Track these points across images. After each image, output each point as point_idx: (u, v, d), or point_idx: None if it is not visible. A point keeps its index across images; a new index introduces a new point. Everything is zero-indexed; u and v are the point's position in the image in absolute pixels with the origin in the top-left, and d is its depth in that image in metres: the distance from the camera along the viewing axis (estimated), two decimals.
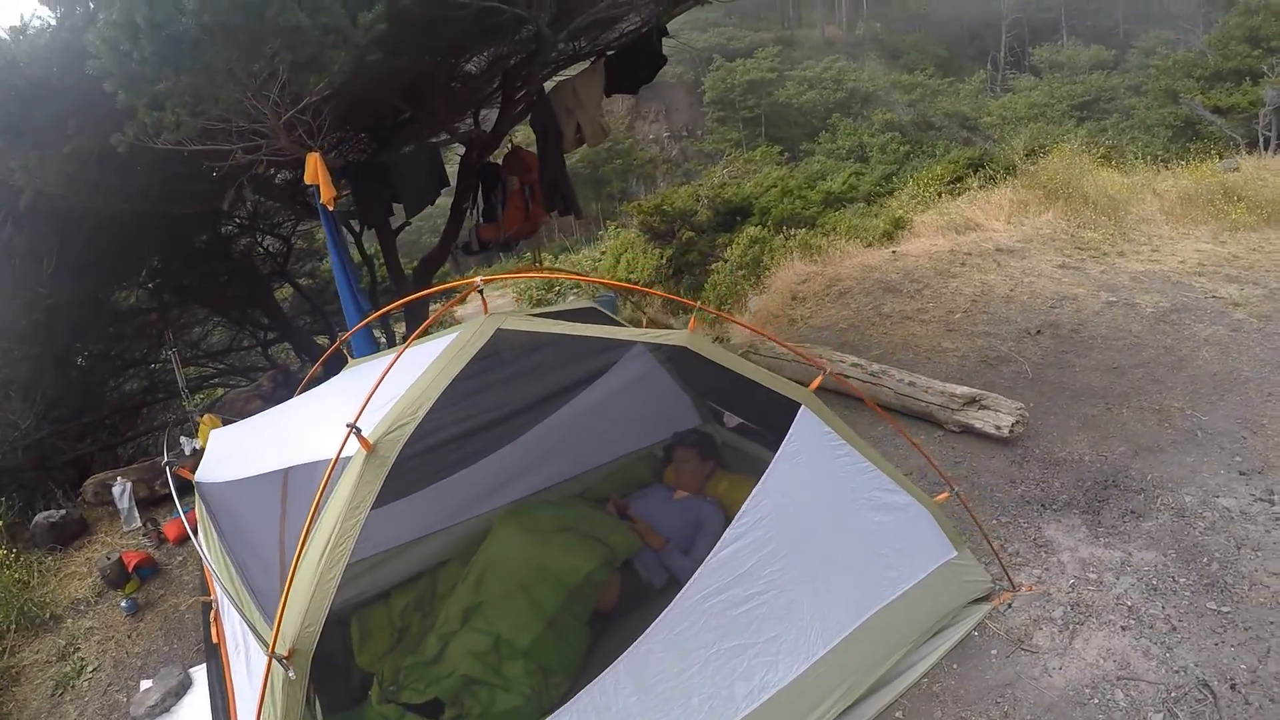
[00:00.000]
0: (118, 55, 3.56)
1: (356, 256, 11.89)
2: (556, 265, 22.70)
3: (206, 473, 3.52)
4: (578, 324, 2.98)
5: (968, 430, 4.87)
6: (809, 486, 3.00)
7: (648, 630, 2.62)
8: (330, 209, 4.96)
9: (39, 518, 5.50)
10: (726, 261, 13.21)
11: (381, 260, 9.49)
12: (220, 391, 10.55)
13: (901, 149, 29.51)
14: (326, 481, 2.45)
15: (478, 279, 2.89)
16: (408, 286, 9.22)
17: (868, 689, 2.98)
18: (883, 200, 15.00)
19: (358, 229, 9.35)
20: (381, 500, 3.48)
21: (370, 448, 2.42)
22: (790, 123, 43.82)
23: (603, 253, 20.77)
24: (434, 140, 7.55)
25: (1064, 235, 8.61)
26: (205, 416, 6.40)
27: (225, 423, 5.89)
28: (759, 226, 13.94)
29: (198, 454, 5.53)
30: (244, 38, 3.58)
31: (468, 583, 3.37)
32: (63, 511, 5.56)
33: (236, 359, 11.56)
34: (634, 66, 6.68)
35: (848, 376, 5.75)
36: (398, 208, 6.86)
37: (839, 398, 5.87)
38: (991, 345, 6.23)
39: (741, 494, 3.00)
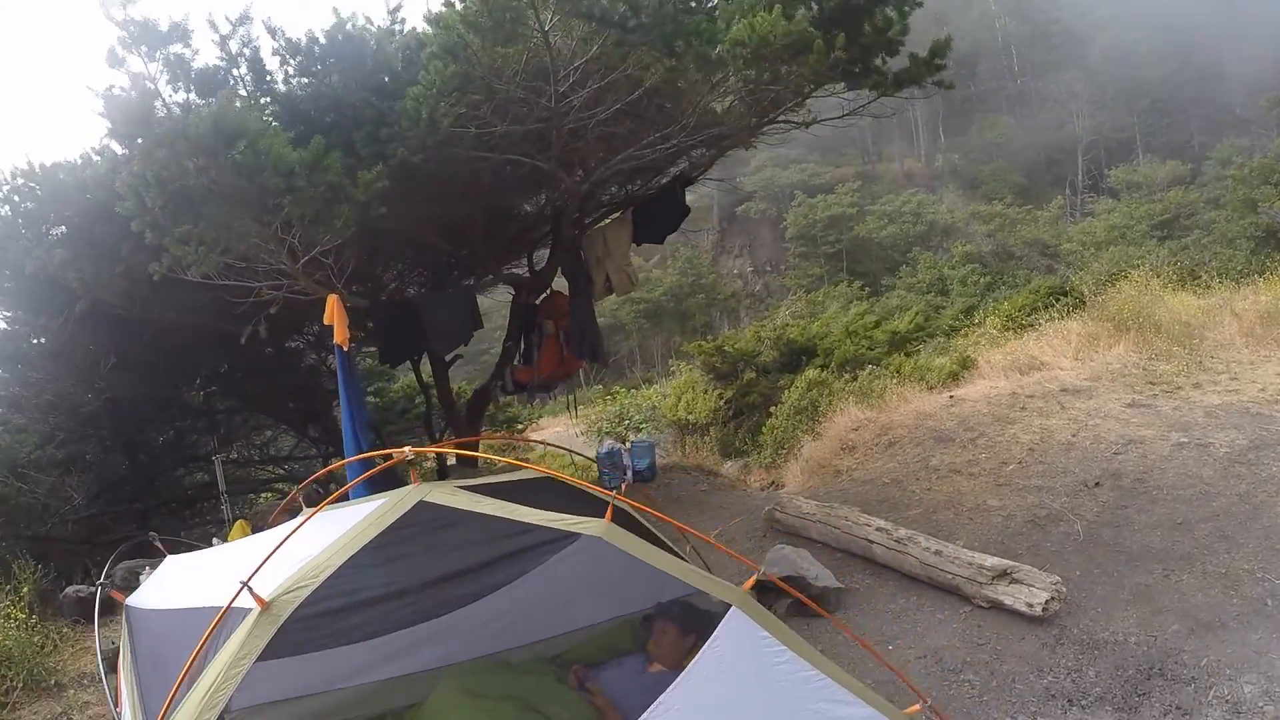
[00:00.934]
0: (140, 201, 3.97)
1: (410, 384, 12.42)
2: (627, 400, 22.79)
3: (139, 598, 3.66)
4: (504, 502, 2.98)
5: (997, 606, 4.41)
6: (735, 697, 2.74)
7: None
8: (345, 349, 5.22)
9: (69, 590, 5.88)
10: (785, 404, 13.01)
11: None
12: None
13: (982, 280, 29.05)
14: (214, 629, 2.62)
15: (407, 449, 3.15)
16: (458, 416, 9.47)
17: None
18: (962, 335, 14.59)
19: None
20: (342, 639, 3.49)
21: (265, 605, 2.58)
22: (872, 257, 44.31)
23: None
24: (470, 281, 7.98)
25: (1135, 369, 8.07)
26: (238, 522, 6.61)
27: (255, 529, 6.05)
28: (821, 369, 13.75)
29: None
30: (249, 196, 3.92)
31: None
32: (92, 589, 5.84)
33: (304, 466, 11.88)
34: (659, 217, 6.94)
35: (872, 543, 5.41)
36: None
37: (860, 563, 5.52)
38: (1043, 502, 5.75)
39: None
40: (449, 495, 3.01)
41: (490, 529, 2.95)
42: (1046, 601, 4.17)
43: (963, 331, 14.59)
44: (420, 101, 4.27)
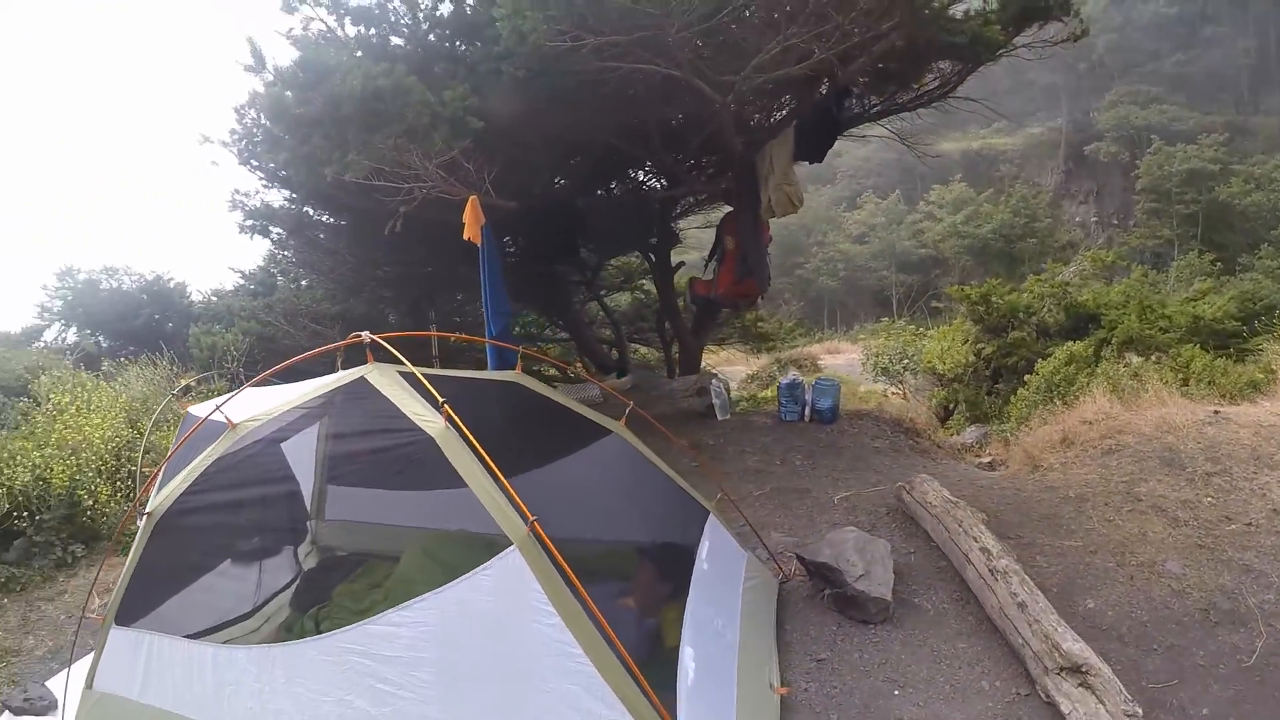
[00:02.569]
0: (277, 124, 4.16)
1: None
2: (911, 337, 20.42)
3: (196, 408, 4.11)
4: (404, 391, 2.85)
5: (1054, 707, 2.98)
6: (481, 639, 2.43)
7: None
8: (478, 243, 5.14)
9: None
10: (1038, 375, 10.52)
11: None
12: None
13: None
14: (190, 434, 3.29)
15: (365, 334, 3.12)
16: (681, 323, 9.15)
17: None
18: None
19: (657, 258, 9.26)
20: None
21: (233, 425, 3.12)
22: (1232, 227, 32.38)
23: None
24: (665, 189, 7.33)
25: None
26: None
27: None
28: (1098, 343, 10.73)
29: None
30: (342, 120, 3.89)
31: (393, 573, 3.63)
32: None
33: (557, 349, 12.52)
34: (812, 132, 5.61)
35: (969, 562, 4.03)
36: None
37: (953, 581, 4.21)
38: (1239, 589, 3.72)
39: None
40: (380, 376, 2.96)
41: (380, 409, 2.87)
42: None
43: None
44: (505, 20, 3.77)
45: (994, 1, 4.77)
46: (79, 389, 6.63)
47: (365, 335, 3.06)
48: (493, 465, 2.48)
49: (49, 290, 14.03)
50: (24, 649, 4.22)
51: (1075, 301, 12.41)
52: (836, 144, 6.28)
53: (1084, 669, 2.91)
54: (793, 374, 8.23)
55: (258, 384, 3.53)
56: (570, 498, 3.80)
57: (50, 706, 3.50)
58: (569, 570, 2.32)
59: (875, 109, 7.11)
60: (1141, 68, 43.74)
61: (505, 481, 2.46)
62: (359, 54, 4.64)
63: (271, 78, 4.19)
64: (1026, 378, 10.98)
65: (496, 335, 5.46)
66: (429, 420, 2.68)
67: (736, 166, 5.97)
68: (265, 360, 8.09)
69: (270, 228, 7.22)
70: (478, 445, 2.54)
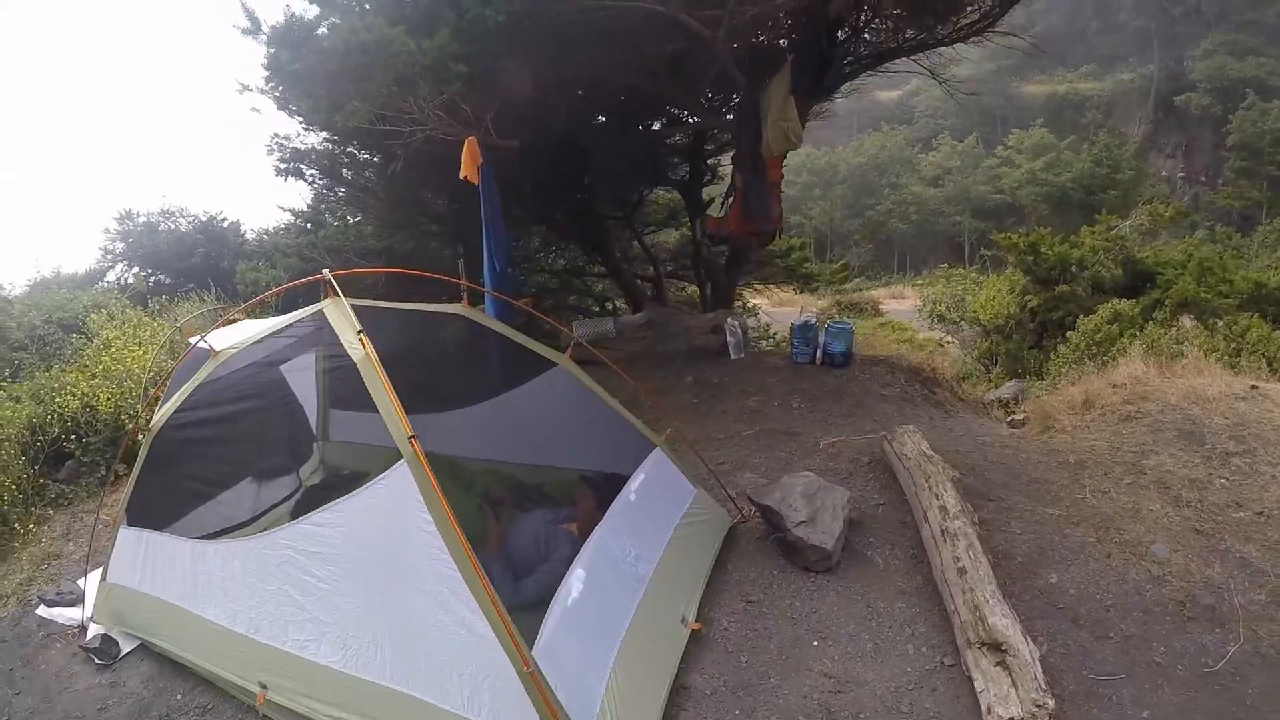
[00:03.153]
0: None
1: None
2: (968, 285, 19.17)
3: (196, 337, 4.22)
4: (348, 319, 2.85)
5: (969, 682, 2.69)
6: (378, 541, 2.58)
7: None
8: (474, 183, 4.91)
9: None
10: (1078, 332, 9.62)
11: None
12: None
13: None
14: (181, 360, 3.62)
15: (326, 270, 3.07)
16: (711, 261, 8.74)
17: None
18: None
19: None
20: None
21: (216, 353, 3.34)
22: None
23: None
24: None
25: None
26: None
27: None
28: (1151, 304, 9.65)
29: None
30: (329, 72, 3.76)
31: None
32: None
33: (604, 284, 12.09)
34: (802, 65, 5.01)
35: (926, 519, 3.68)
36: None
37: (912, 537, 3.88)
38: (1228, 585, 3.21)
39: None
40: (334, 309, 2.99)
41: (327, 337, 2.96)
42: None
43: None
44: None
45: None
46: (125, 324, 6.93)
47: (325, 272, 3.03)
48: (388, 387, 2.53)
49: (110, 233, 14.15)
50: (64, 553, 4.55)
51: (1133, 257, 11.11)
52: (913, 81, 5.66)
53: (1004, 647, 2.59)
54: (806, 315, 7.72)
55: (239, 316, 3.60)
56: (518, 426, 3.80)
57: (78, 599, 3.79)
58: (435, 484, 2.38)
59: (910, 43, 6.36)
60: (1240, 16, 38.02)
61: (395, 401, 2.51)
62: (368, 6, 4.41)
63: (266, 38, 4.07)
64: (1068, 334, 10.06)
65: (496, 277, 5.25)
66: (355, 348, 2.73)
67: (739, 102, 5.44)
68: (306, 294, 8.15)
69: (304, 169, 7.20)
70: (378, 370, 2.58)
